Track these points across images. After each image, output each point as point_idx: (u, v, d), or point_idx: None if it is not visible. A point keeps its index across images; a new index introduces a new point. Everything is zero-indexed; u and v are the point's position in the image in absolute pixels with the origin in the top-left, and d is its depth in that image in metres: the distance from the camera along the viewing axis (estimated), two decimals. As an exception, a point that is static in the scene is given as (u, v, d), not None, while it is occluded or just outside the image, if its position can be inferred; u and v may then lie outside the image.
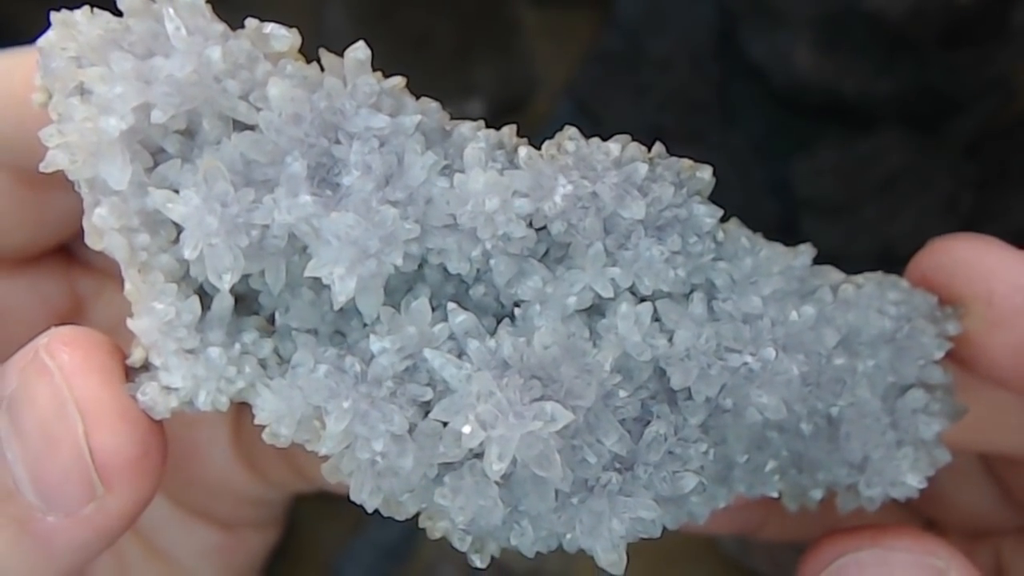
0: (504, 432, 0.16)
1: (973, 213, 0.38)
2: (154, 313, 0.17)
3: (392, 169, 0.17)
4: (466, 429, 0.16)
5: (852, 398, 0.19)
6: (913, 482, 0.20)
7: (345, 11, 0.36)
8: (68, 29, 0.17)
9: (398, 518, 0.18)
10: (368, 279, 0.16)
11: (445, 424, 0.17)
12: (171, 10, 0.16)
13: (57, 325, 0.25)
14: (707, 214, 0.18)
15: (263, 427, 0.17)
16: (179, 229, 0.17)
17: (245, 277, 0.18)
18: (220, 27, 0.17)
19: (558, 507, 0.17)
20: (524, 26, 0.40)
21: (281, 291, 0.18)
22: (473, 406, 0.16)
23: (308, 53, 0.18)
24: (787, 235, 0.20)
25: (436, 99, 0.18)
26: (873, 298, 0.20)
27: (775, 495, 0.20)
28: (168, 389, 0.17)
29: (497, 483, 0.17)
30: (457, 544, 0.18)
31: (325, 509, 0.33)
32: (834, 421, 0.20)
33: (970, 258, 0.20)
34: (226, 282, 0.17)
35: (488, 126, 0.18)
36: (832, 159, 0.39)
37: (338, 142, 0.17)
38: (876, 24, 0.37)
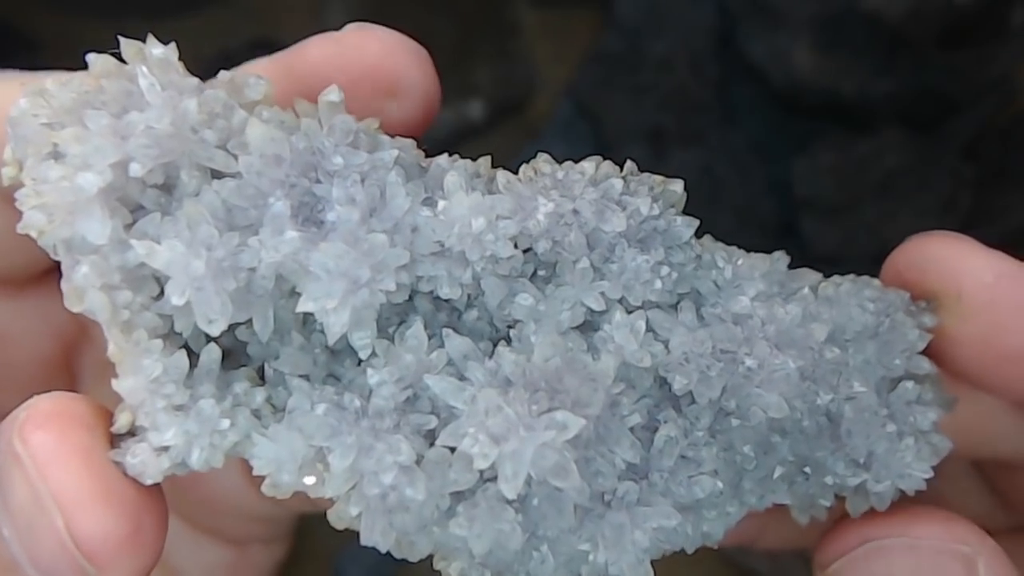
0: (516, 446, 0.15)
1: (972, 213, 0.38)
2: (140, 371, 0.16)
3: (375, 202, 0.17)
4: (475, 450, 0.15)
5: (849, 389, 0.19)
6: (919, 472, 0.20)
7: (345, 11, 0.36)
8: (39, 98, 0.17)
9: (411, 559, 0.17)
10: (361, 310, 0.16)
11: (453, 450, 0.16)
12: (144, 68, 0.17)
13: (60, 348, 0.24)
14: (684, 224, 0.19)
15: (262, 479, 0.17)
16: (161, 285, 0.17)
17: (232, 328, 0.17)
18: (193, 80, 0.17)
19: (577, 525, 0.17)
20: (524, 26, 0.41)
21: (270, 339, 0.18)
22: (483, 423, 0.16)
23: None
24: (786, 235, 0.20)
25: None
26: (852, 295, 0.20)
27: (787, 502, 0.20)
28: (159, 450, 0.17)
29: (513, 506, 0.16)
30: (476, 582, 0.17)
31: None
32: (834, 417, 0.20)
33: (942, 255, 0.21)
34: (216, 328, 0.16)
35: (463, 157, 0.18)
36: (831, 159, 0.39)
37: (319, 181, 0.17)
38: (875, 24, 0.38)
